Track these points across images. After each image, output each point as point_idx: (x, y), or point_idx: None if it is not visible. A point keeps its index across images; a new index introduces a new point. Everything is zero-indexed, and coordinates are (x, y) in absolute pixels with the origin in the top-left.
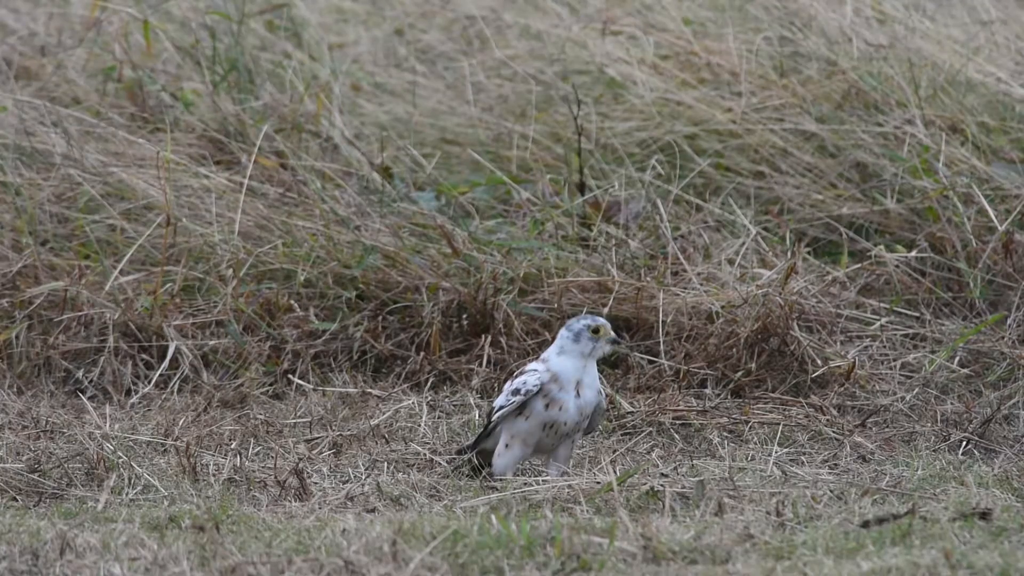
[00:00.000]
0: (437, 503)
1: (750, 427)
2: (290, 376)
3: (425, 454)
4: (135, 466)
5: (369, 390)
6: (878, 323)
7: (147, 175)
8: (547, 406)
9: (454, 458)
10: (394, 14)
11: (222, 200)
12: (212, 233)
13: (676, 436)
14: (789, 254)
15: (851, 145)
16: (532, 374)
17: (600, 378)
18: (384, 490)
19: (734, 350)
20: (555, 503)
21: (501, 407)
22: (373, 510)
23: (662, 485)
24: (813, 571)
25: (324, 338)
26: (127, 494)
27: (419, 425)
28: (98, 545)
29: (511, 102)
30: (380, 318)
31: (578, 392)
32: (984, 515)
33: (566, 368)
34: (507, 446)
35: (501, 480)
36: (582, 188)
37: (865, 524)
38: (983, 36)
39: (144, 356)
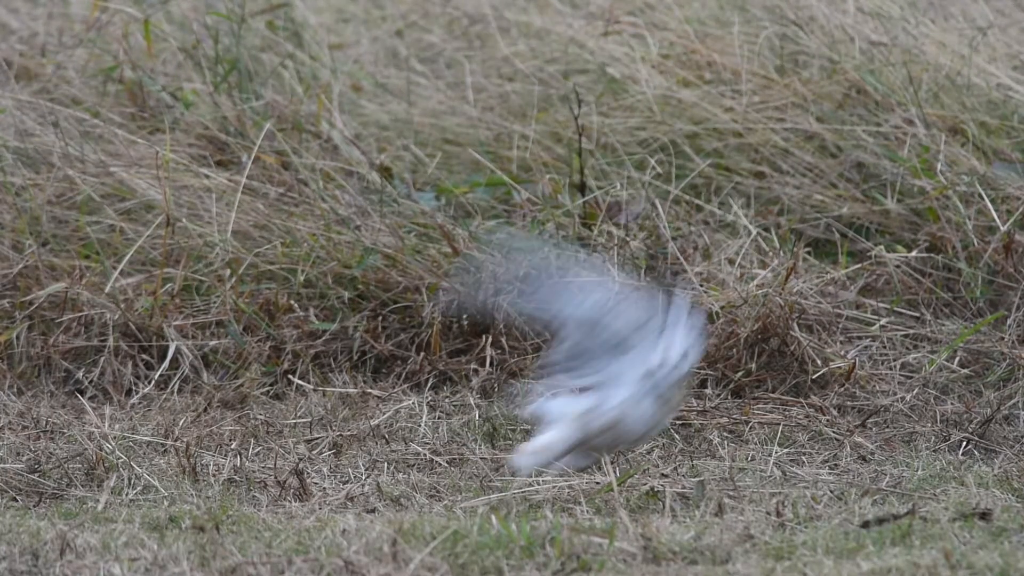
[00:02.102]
0: (437, 503)
1: (750, 427)
2: (290, 376)
3: (425, 454)
4: (135, 466)
5: (369, 390)
6: (878, 323)
7: (147, 175)
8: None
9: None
10: (395, 12)
11: (222, 200)
12: (211, 233)
13: (676, 436)
14: (788, 254)
15: (851, 145)
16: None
17: None
18: (384, 490)
19: (734, 350)
20: (555, 503)
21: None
22: (373, 510)
23: (662, 485)
24: (813, 571)
25: (324, 338)
26: (127, 494)
27: (419, 425)
28: (98, 545)
29: (512, 102)
30: (380, 318)
31: None
32: (984, 515)
33: None
34: (563, 444)
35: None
36: (582, 188)
37: (865, 524)
38: (981, 40)
39: (144, 356)
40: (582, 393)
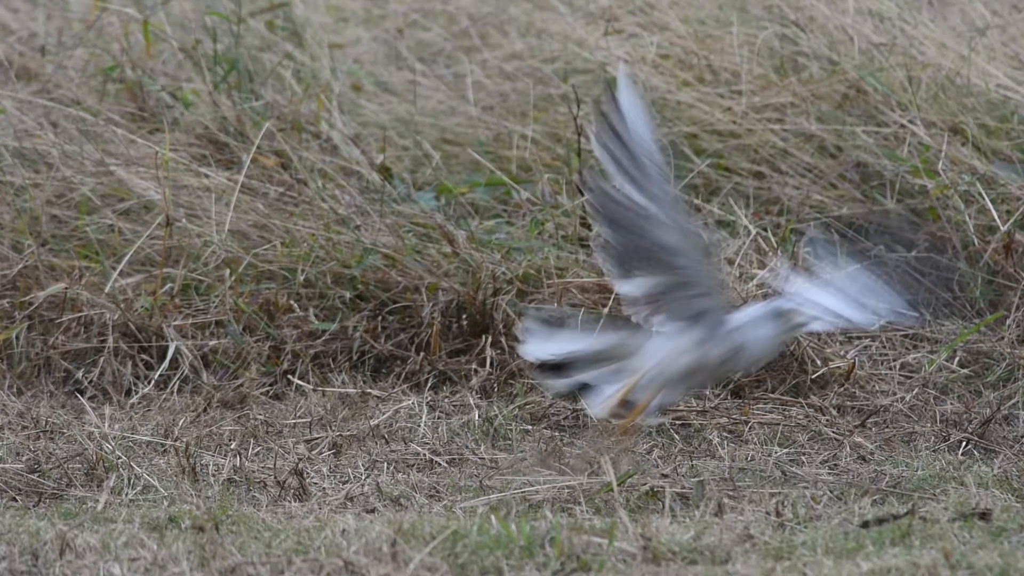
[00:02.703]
0: (437, 503)
1: (750, 427)
2: (290, 376)
3: (425, 454)
4: (135, 466)
5: (369, 390)
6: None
7: (146, 175)
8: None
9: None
10: (395, 11)
11: (221, 200)
12: (210, 233)
13: (676, 436)
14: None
15: (851, 145)
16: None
17: None
18: (384, 490)
19: None
20: (555, 503)
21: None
22: (373, 510)
23: (662, 485)
24: (813, 571)
25: (324, 338)
26: (127, 494)
27: (419, 425)
28: (98, 545)
29: (511, 102)
30: (380, 318)
31: None
32: (984, 515)
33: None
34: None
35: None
36: (582, 188)
37: (865, 524)
38: (979, 41)
39: (144, 356)
40: (686, 325)
